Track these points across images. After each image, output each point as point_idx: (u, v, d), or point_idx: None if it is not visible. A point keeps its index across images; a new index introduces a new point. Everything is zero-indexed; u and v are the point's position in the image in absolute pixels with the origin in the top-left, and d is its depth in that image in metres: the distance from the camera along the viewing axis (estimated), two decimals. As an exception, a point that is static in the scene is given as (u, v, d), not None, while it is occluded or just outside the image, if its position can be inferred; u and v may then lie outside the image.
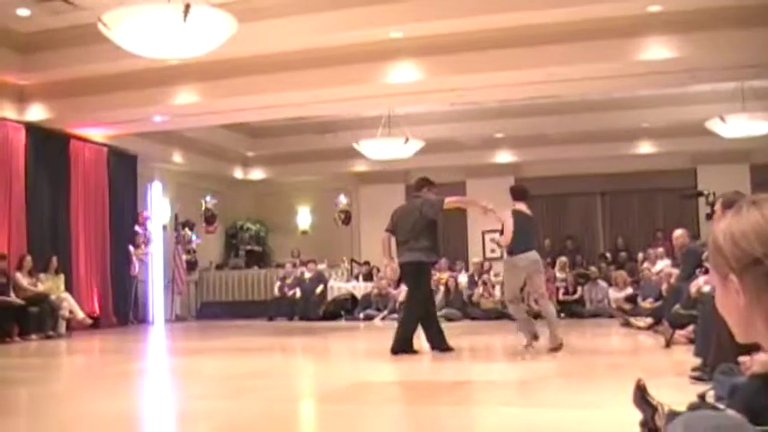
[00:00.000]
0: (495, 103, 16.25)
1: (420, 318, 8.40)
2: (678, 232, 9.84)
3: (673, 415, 3.58)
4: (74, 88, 12.57)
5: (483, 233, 18.94)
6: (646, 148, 17.73)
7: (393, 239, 8.49)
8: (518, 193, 8.83)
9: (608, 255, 17.35)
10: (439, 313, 14.33)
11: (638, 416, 3.50)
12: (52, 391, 6.44)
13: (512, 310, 8.79)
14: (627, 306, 12.80)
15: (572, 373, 6.70)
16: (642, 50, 10.64)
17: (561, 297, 15.06)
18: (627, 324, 11.56)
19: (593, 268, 15.72)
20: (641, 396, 3.75)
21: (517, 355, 8.22)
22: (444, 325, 13.55)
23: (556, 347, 8.16)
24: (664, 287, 11.18)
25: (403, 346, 8.22)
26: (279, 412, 5.07)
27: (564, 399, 5.27)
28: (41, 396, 6.07)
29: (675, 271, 10.45)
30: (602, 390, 5.56)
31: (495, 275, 16.22)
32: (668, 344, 8.10)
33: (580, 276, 15.67)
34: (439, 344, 8.37)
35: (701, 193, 15.51)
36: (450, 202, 8.55)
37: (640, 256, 16.40)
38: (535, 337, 8.53)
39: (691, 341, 7.71)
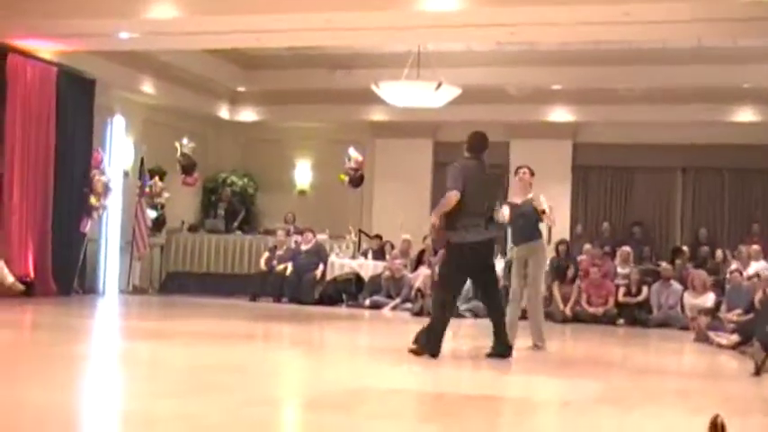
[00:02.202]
0: (554, 46, 16.09)
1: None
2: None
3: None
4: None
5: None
6: (745, 115, 17.53)
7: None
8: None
9: (686, 249, 17.21)
10: (464, 307, 14.55)
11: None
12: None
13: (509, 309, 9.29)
14: (706, 316, 12.69)
15: (627, 397, 6.64)
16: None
17: (621, 298, 14.97)
18: (705, 339, 11.47)
19: (664, 264, 15.59)
20: (717, 437, 3.68)
21: (560, 366, 8.16)
22: (471, 322, 13.79)
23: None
24: (757, 297, 11.08)
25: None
26: (251, 419, 5.05)
27: (611, 429, 5.20)
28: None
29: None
30: (666, 422, 5.50)
31: (540, 265, 16.16)
32: (758, 371, 8.00)
33: (648, 274, 15.57)
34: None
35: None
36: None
37: (719, 253, 16.31)
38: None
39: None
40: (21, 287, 13.13)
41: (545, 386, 7.32)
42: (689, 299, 14.45)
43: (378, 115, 18.68)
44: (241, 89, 19.56)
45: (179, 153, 18.33)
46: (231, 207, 19.60)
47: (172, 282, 18.50)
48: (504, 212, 8.93)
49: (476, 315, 14.54)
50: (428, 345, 8.30)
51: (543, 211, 9.57)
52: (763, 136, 17.68)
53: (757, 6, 10.66)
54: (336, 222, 18.81)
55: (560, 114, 18.50)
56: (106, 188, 15.76)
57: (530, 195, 9.67)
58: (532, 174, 9.88)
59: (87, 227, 15.54)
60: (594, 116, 18.29)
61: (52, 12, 12.61)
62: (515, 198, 9.75)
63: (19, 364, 7.21)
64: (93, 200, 15.42)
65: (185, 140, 18.44)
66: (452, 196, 8.28)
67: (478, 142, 8.69)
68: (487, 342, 8.70)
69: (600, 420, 5.57)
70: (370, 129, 19.71)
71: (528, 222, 9.52)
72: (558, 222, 18.45)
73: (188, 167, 18.48)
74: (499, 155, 18.93)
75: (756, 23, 11.63)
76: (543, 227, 9.88)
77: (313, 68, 17.82)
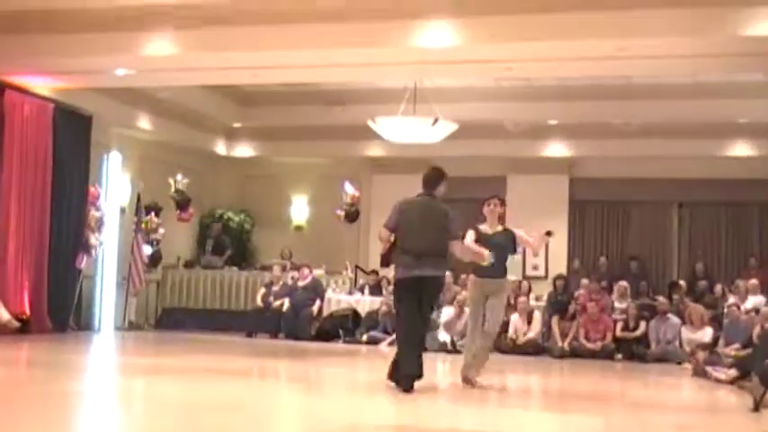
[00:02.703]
0: (550, 81, 16.15)
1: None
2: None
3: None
4: (11, 22, 12.43)
5: (525, 244, 18.80)
6: (741, 149, 17.58)
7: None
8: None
9: (682, 283, 17.19)
10: (461, 342, 14.49)
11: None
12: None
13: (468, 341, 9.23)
14: (704, 351, 12.66)
15: (627, 433, 6.62)
16: (747, 22, 10.41)
17: (619, 332, 14.93)
18: (702, 374, 11.44)
19: (662, 299, 15.58)
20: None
21: (559, 401, 8.12)
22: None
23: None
24: (755, 331, 11.06)
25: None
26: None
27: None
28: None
29: (768, 310, 10.36)
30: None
31: (537, 300, 16.16)
32: (757, 406, 7.95)
33: (645, 308, 15.53)
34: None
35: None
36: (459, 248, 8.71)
37: (718, 288, 16.29)
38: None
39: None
40: (16, 324, 13.07)
41: (544, 422, 7.29)
42: (687, 333, 14.43)
43: (374, 150, 18.70)
44: (237, 125, 19.59)
45: (173, 189, 18.32)
46: (219, 242, 19.55)
47: (167, 318, 18.44)
48: (467, 239, 8.90)
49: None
50: (393, 374, 8.47)
51: (548, 232, 9.47)
52: (759, 170, 17.71)
53: (752, 42, 10.72)
54: (333, 258, 18.79)
55: (557, 149, 18.53)
56: (100, 224, 15.75)
57: (499, 227, 9.39)
58: (503, 204, 9.59)
59: (83, 263, 15.50)
60: (591, 151, 18.32)
61: (49, 49, 12.63)
62: (487, 229, 9.35)
63: (14, 401, 7.15)
64: (91, 237, 15.39)
65: (179, 176, 18.44)
66: (380, 232, 8.72)
67: (428, 178, 8.81)
68: (486, 376, 8.66)
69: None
70: (366, 164, 19.73)
71: (498, 256, 8.98)
72: (555, 257, 18.71)
73: (182, 203, 18.47)
74: (496, 189, 18.91)
75: (751, 59, 11.70)
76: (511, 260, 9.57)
77: (309, 104, 17.85)
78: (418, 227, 8.49)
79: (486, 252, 8.72)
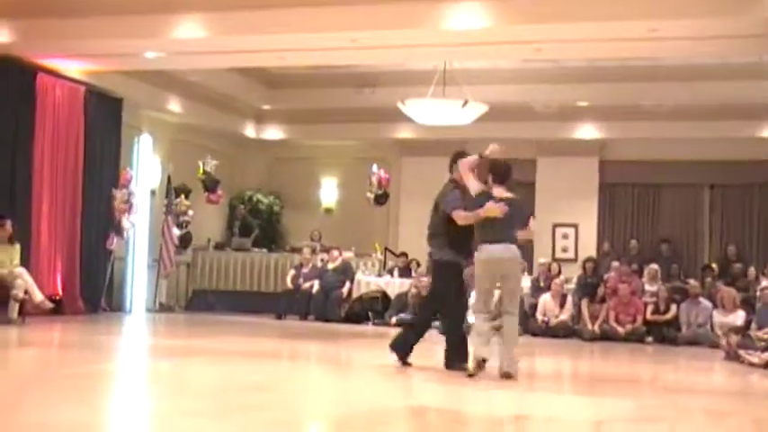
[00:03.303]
0: (580, 63, 16.03)
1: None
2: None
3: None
4: (44, 6, 12.51)
5: (554, 226, 18.77)
6: (772, 130, 17.39)
7: None
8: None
9: (714, 266, 17.05)
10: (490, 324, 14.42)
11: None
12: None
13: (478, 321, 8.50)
14: (736, 334, 12.54)
15: (660, 417, 6.55)
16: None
17: (650, 316, 14.83)
18: (735, 357, 11.33)
19: (693, 282, 15.44)
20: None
21: (590, 385, 8.07)
22: (498, 339, 13.66)
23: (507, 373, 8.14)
24: (789, 315, 10.96)
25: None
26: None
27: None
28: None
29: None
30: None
31: (567, 282, 16.06)
32: (790, 389, 7.90)
33: (676, 291, 15.42)
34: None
35: None
36: (457, 216, 8.60)
37: (751, 271, 16.15)
38: (483, 361, 8.35)
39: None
40: (50, 305, 13.11)
41: (575, 405, 7.24)
42: (718, 317, 14.28)
43: (404, 133, 18.65)
44: (267, 108, 19.59)
45: (201, 171, 18.35)
46: (245, 223, 19.58)
47: (198, 300, 18.49)
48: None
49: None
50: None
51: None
52: (790, 151, 17.54)
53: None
54: (362, 240, 18.77)
55: (587, 131, 18.40)
56: (131, 206, 15.80)
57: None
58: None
59: (113, 244, 15.57)
60: (621, 133, 18.18)
61: (80, 32, 12.68)
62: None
63: (48, 382, 7.19)
64: (123, 219, 15.44)
65: (208, 158, 18.45)
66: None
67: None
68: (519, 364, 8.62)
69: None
70: (396, 146, 19.68)
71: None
72: (585, 239, 18.62)
73: (210, 185, 18.48)
74: (526, 172, 18.92)
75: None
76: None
77: (338, 87, 17.83)
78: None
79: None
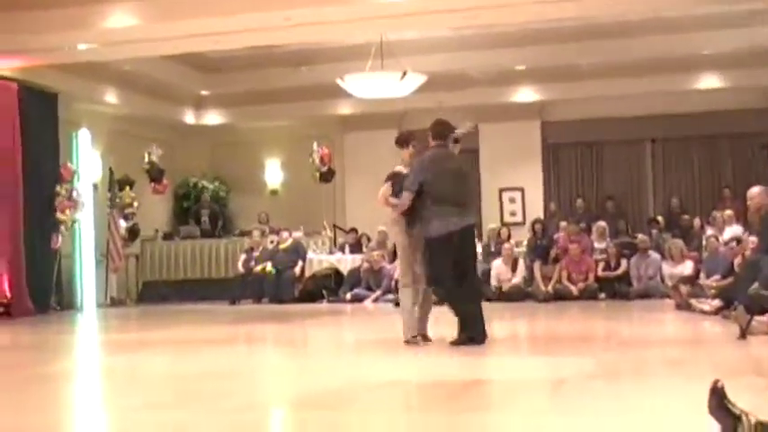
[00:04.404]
0: (514, 27, 15.99)
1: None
2: (755, 191, 9.76)
3: (762, 427, 3.47)
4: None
5: (500, 191, 18.88)
6: (709, 81, 17.59)
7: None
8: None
9: (660, 219, 17.26)
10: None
11: (711, 427, 3.39)
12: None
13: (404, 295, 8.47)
14: (686, 284, 12.72)
15: (620, 371, 6.63)
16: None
17: (601, 273, 14.98)
18: (686, 307, 11.49)
19: (641, 236, 15.62)
20: (719, 402, 3.65)
21: (547, 345, 8.12)
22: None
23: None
24: (736, 261, 11.11)
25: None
26: (243, 424, 4.97)
27: (611, 404, 5.18)
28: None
29: (752, 239, 10.38)
30: (660, 393, 5.47)
31: (517, 246, 16.15)
32: (744, 334, 8.01)
33: (625, 247, 15.59)
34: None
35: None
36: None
37: (696, 221, 16.39)
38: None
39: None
40: (-2, 309, 12.96)
41: (535, 366, 7.29)
42: (667, 268, 14.49)
43: (344, 109, 18.62)
44: (205, 93, 19.41)
45: (146, 161, 18.15)
46: (213, 212, 19.49)
47: (149, 291, 18.33)
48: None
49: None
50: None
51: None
52: (727, 101, 17.77)
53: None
54: (310, 219, 18.68)
55: (526, 94, 18.47)
56: (77, 202, 15.58)
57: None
58: None
59: (58, 243, 15.36)
60: (560, 94, 18.28)
61: (8, 27, 12.40)
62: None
63: (5, 387, 7.06)
64: (60, 215, 15.19)
65: (154, 148, 18.25)
66: (403, 201, 8.27)
67: (440, 128, 8.54)
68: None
69: (600, 395, 5.52)
70: (337, 123, 19.64)
71: None
72: (532, 201, 18.74)
73: (156, 175, 18.29)
74: (469, 139, 18.92)
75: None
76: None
77: (276, 67, 17.67)
78: (452, 177, 8.32)
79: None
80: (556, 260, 15.10)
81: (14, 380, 7.44)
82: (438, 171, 8.27)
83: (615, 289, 14.77)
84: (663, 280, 14.46)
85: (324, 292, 16.58)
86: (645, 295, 14.35)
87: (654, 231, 16.23)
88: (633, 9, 13.89)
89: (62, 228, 15.30)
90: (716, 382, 3.70)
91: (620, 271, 15.01)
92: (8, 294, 14.10)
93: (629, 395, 5.45)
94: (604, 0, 11.90)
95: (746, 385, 5.08)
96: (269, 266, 16.77)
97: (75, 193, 15.57)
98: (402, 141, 8.77)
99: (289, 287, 16.59)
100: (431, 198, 8.18)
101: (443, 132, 8.54)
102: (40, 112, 15.14)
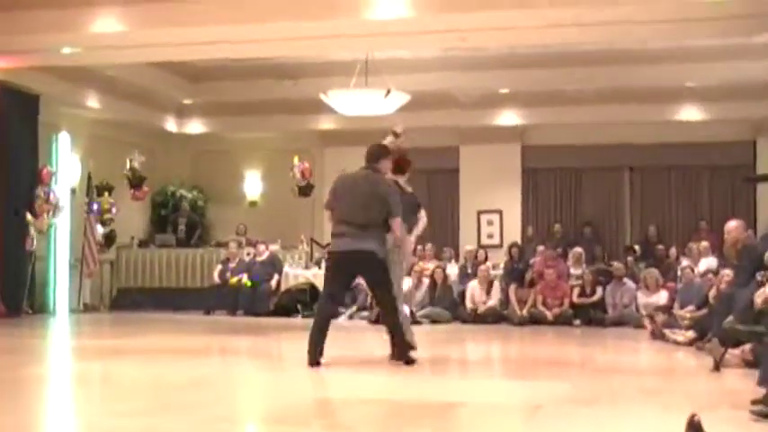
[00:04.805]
0: (501, 50, 16.10)
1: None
2: (732, 224, 9.83)
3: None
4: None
5: (478, 213, 18.92)
6: (690, 113, 17.72)
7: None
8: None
9: (636, 247, 17.34)
10: (421, 312, 14.53)
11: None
12: None
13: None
14: (660, 314, 12.75)
15: (595, 398, 6.63)
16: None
17: (576, 299, 14.99)
18: (661, 336, 11.53)
19: (617, 264, 15.65)
20: (696, 435, 3.67)
21: (522, 369, 8.12)
22: (429, 328, 13.76)
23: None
24: (711, 293, 11.16)
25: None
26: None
27: (588, 431, 5.18)
28: None
29: (726, 272, 10.44)
30: (636, 421, 5.49)
31: (495, 267, 16.17)
32: (717, 366, 8.04)
33: (600, 273, 15.60)
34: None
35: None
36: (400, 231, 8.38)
37: (672, 251, 16.47)
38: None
39: (749, 364, 7.68)
40: (-31, 310, 12.84)
41: (511, 390, 7.28)
42: (642, 297, 14.50)
43: (326, 124, 18.61)
44: (187, 101, 19.36)
45: (128, 167, 18.09)
46: (191, 221, 19.42)
47: (123, 298, 18.19)
48: (423, 221, 8.88)
49: (433, 321, 14.56)
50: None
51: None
52: (707, 133, 17.90)
53: (699, 6, 10.80)
54: (288, 233, 18.66)
55: (508, 118, 18.53)
56: (55, 206, 15.51)
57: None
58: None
59: (34, 245, 15.27)
60: (542, 118, 18.36)
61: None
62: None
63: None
64: (30, 220, 15.08)
65: (136, 154, 18.21)
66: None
67: (369, 152, 8.61)
68: (445, 348, 8.63)
69: (577, 422, 5.53)
70: (318, 137, 19.63)
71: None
72: (510, 224, 18.78)
73: (136, 182, 18.23)
74: (449, 159, 19.04)
75: (698, 23, 11.75)
76: None
77: (260, 79, 17.67)
78: (350, 196, 8.34)
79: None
80: (531, 284, 15.11)
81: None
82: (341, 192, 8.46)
83: (590, 315, 14.75)
84: (637, 309, 14.49)
85: (299, 306, 16.51)
86: (619, 323, 14.35)
87: (629, 259, 16.28)
88: (623, 37, 13.98)
89: (32, 230, 15.19)
90: (693, 415, 3.73)
91: (595, 297, 15.00)
92: (-20, 296, 13.99)
93: (605, 422, 5.47)
94: (592, 29, 11.92)
95: (722, 418, 5.11)
96: (245, 278, 16.71)
97: (52, 197, 15.50)
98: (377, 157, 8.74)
99: (264, 300, 16.51)
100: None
101: (370, 156, 8.55)
102: (20, 113, 15.08)
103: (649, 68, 16.08)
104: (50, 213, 15.45)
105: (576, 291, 15.14)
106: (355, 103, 14.92)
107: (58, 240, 16.33)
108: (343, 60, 15.61)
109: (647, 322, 12.70)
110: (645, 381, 7.94)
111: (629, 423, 5.46)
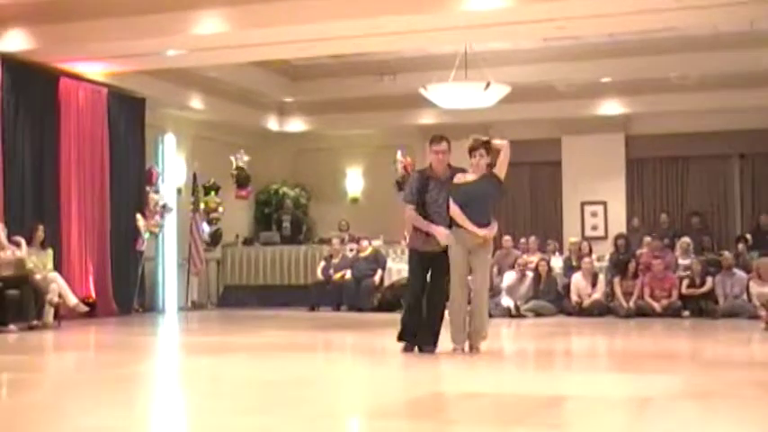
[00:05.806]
0: (601, 39, 15.83)
1: None
2: None
3: None
4: (62, 10, 12.48)
5: (582, 205, 18.65)
6: (801, 96, 17.16)
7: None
8: None
9: (748, 237, 16.84)
10: (526, 306, 14.41)
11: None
12: (31, 402, 6.37)
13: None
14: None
15: (708, 393, 6.44)
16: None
17: (685, 290, 14.66)
18: (776, 329, 11.21)
19: (726, 253, 15.26)
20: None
21: (630, 362, 7.95)
22: (533, 321, 13.64)
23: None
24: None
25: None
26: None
27: (702, 428, 5.02)
28: (15, 408, 6.01)
29: None
30: (751, 416, 5.31)
31: (598, 260, 15.92)
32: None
33: (710, 264, 15.25)
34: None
35: None
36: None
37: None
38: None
39: None
40: (84, 308, 13.14)
41: (619, 383, 7.14)
42: (755, 287, 14.10)
43: (426, 119, 18.54)
44: (289, 100, 19.54)
45: (234, 167, 18.36)
46: (295, 218, 19.62)
47: (229, 296, 18.51)
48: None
49: (538, 314, 14.42)
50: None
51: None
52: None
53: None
54: (390, 228, 18.65)
55: (611, 107, 18.22)
56: (163, 207, 15.84)
57: (472, 176, 8.87)
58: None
59: (144, 245, 15.59)
60: (646, 107, 17.99)
61: (100, 34, 12.68)
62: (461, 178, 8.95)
63: (87, 385, 7.16)
64: (140, 221, 15.38)
65: (240, 154, 18.48)
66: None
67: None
68: (551, 341, 8.51)
69: (688, 416, 5.38)
70: (419, 132, 19.54)
71: (478, 208, 8.59)
72: (614, 216, 18.47)
73: (242, 181, 18.51)
74: (551, 151, 18.81)
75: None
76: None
77: (360, 75, 17.74)
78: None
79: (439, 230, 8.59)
80: (635, 276, 14.83)
81: (99, 380, 7.55)
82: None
83: (700, 307, 14.42)
84: (750, 299, 14.10)
85: (402, 301, 16.49)
86: (731, 314, 14.00)
87: (740, 247, 15.83)
88: (727, 20, 13.61)
89: (142, 231, 15.50)
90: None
91: (705, 288, 14.66)
92: (93, 294, 14.32)
93: (719, 417, 5.31)
94: (695, 12, 11.62)
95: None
96: (347, 275, 16.78)
97: (158, 198, 15.83)
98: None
99: (367, 296, 16.57)
100: None
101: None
102: (127, 116, 15.41)
103: (757, 52, 15.60)
104: (161, 215, 15.79)
105: (685, 282, 14.81)
106: (455, 96, 14.88)
107: (166, 240, 16.65)
108: (441, 54, 15.57)
109: (762, 312, 12.34)
110: (760, 373, 7.70)
111: (744, 418, 5.28)
